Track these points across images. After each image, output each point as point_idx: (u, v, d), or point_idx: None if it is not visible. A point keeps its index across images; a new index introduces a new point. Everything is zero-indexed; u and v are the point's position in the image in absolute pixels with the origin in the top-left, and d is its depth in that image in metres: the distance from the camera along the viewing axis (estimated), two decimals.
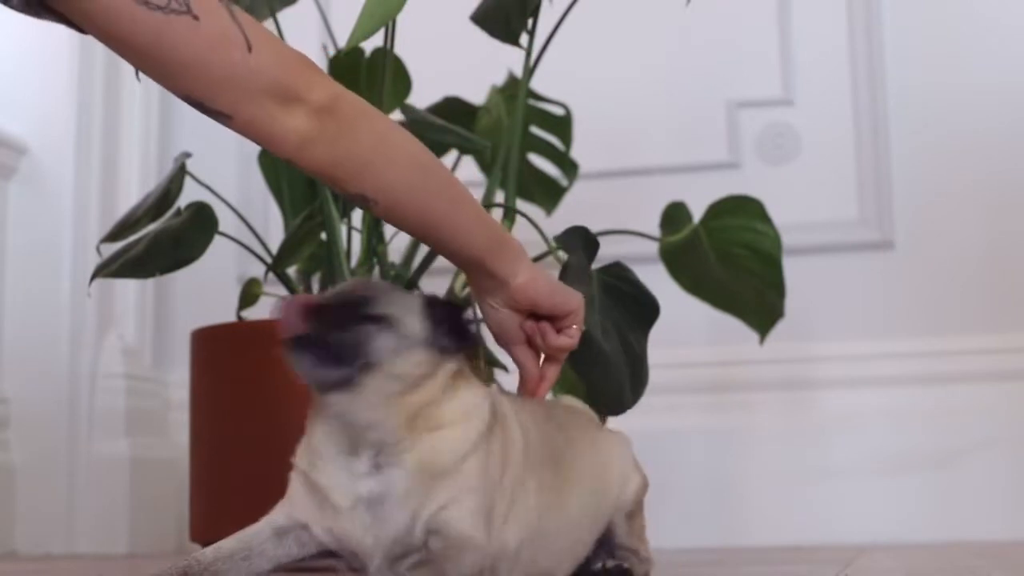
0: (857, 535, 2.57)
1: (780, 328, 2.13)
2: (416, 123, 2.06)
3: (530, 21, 2.01)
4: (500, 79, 2.37)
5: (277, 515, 1.26)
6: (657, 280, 1.89)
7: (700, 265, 2.06)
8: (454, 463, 1.19)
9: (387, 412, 1.19)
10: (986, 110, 2.75)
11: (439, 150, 2.21)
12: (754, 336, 2.15)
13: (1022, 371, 2.64)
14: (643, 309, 1.75)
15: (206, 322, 2.05)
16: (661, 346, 1.82)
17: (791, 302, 2.10)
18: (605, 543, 1.43)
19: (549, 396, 1.44)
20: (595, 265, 1.75)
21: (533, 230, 1.89)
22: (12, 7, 1.18)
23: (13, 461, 2.73)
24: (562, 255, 1.70)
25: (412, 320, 1.21)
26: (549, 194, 2.45)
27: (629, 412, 1.68)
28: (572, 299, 1.37)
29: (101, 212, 2.82)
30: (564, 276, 1.63)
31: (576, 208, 2.44)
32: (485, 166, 2.31)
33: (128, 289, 2.89)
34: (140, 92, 2.92)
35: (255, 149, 2.27)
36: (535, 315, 1.37)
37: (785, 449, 2.70)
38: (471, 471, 1.20)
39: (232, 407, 1.95)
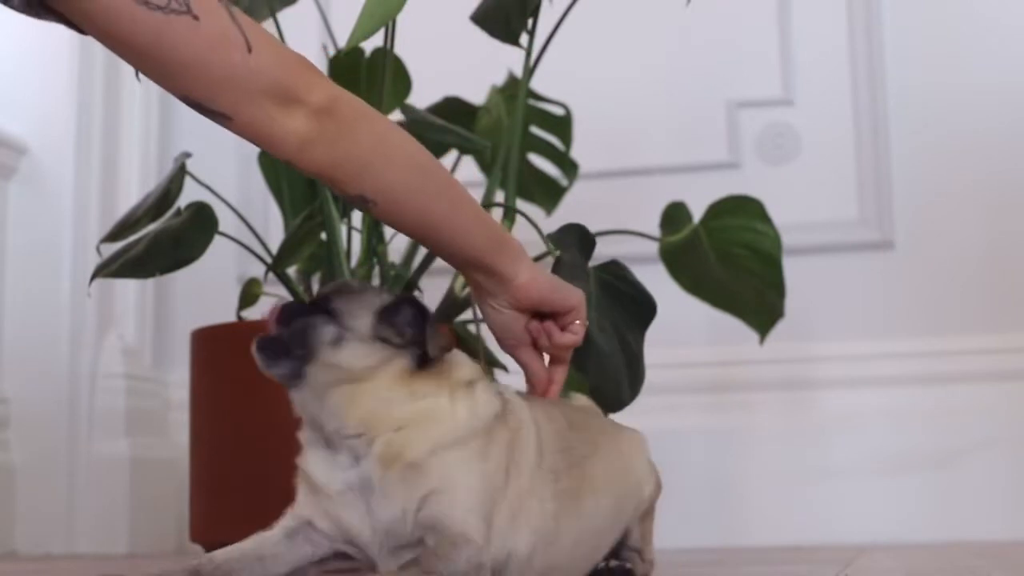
0: (857, 535, 2.57)
1: (780, 328, 2.13)
2: (416, 123, 2.06)
3: (530, 21, 2.01)
4: (500, 79, 2.37)
5: (286, 518, 1.26)
6: (657, 280, 1.89)
7: (700, 265, 2.06)
8: (421, 458, 1.19)
9: (335, 404, 1.20)
10: (986, 110, 2.75)
11: (439, 150, 2.21)
12: (754, 336, 2.15)
13: (1022, 371, 2.64)
14: (640, 308, 1.75)
15: (206, 322, 2.05)
16: (661, 346, 1.82)
17: (791, 302, 2.10)
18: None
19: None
20: (592, 263, 1.75)
21: (533, 230, 1.89)
22: (12, 7, 1.18)
23: (13, 461, 2.73)
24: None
25: (361, 314, 1.22)
26: (549, 194, 2.45)
27: (629, 412, 1.68)
28: (574, 295, 1.37)
29: (101, 212, 2.82)
30: (557, 273, 1.62)
31: (576, 208, 2.44)
32: (485, 166, 2.31)
33: (128, 289, 2.89)
34: (140, 92, 2.92)
35: (255, 149, 2.26)
36: (538, 315, 1.37)
37: (785, 449, 2.70)
38: (448, 466, 1.19)
39: (232, 407, 1.95)
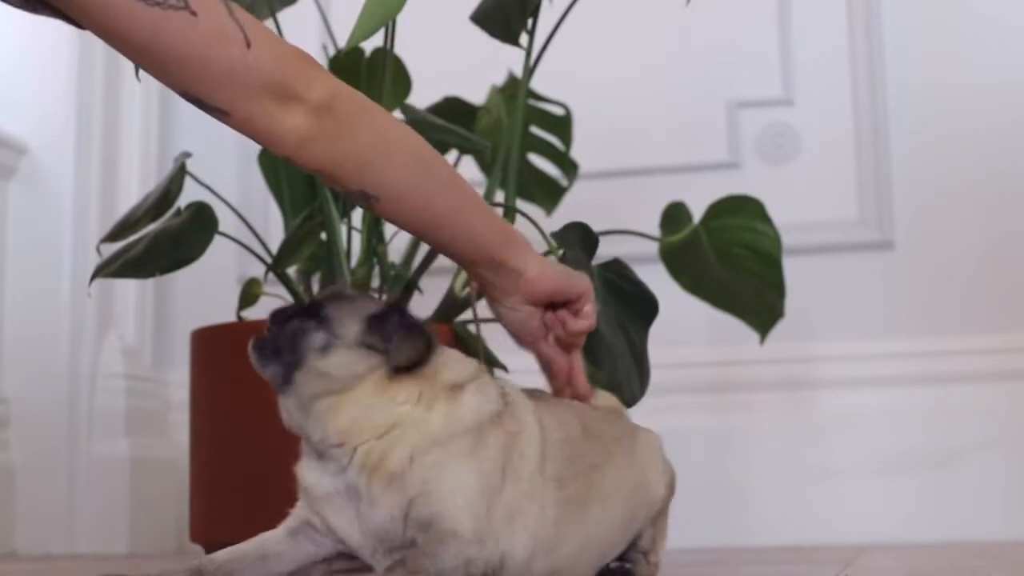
0: (857, 535, 2.57)
1: (780, 328, 2.13)
2: (416, 123, 2.06)
3: (530, 21, 2.01)
4: (500, 79, 2.37)
5: (290, 517, 1.26)
6: (657, 280, 1.89)
7: (700, 265, 2.06)
8: (402, 466, 1.18)
9: (319, 414, 1.20)
10: (986, 110, 2.75)
11: (439, 150, 2.21)
12: (754, 336, 2.15)
13: (1022, 371, 2.64)
14: (643, 306, 1.76)
15: (206, 322, 2.05)
16: (661, 346, 1.82)
17: (791, 302, 2.10)
18: None
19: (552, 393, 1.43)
20: (594, 263, 1.75)
21: (534, 230, 1.89)
22: (10, 3, 1.18)
23: (13, 461, 2.73)
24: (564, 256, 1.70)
25: (351, 321, 1.21)
26: (549, 194, 2.45)
27: (630, 412, 1.68)
28: (582, 280, 1.37)
29: (101, 212, 2.82)
30: None
31: (576, 208, 2.44)
32: (485, 166, 2.31)
33: (128, 289, 2.89)
34: (140, 92, 2.92)
35: (255, 149, 2.27)
36: (549, 305, 1.36)
37: (785, 449, 2.70)
38: (431, 468, 1.18)
39: (232, 407, 1.95)
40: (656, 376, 1.76)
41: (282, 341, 1.22)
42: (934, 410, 2.65)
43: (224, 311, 2.10)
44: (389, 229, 2.15)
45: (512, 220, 1.96)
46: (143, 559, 2.48)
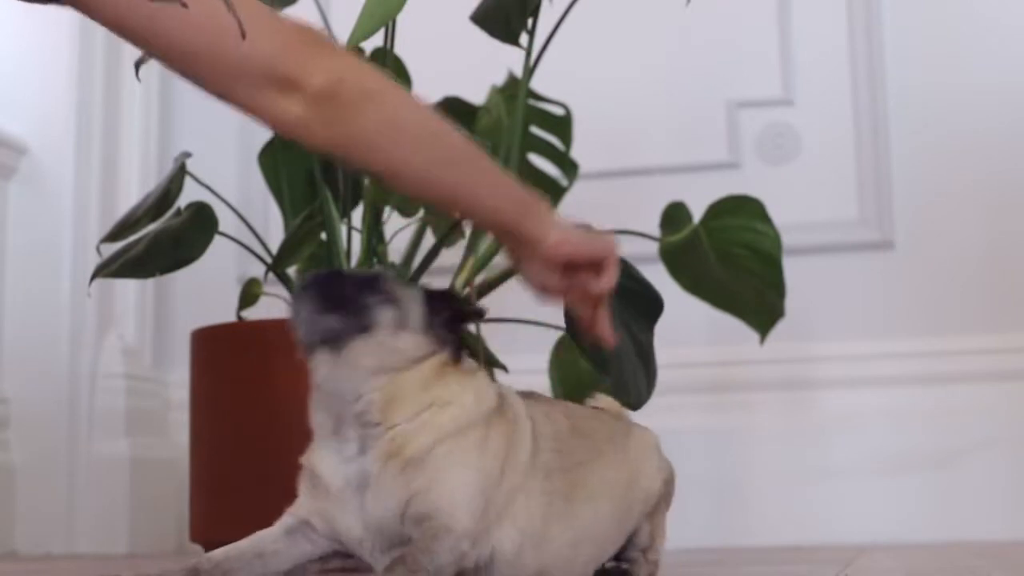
0: (857, 535, 2.56)
1: (780, 328, 2.13)
2: None
3: (530, 21, 2.01)
4: (500, 79, 2.37)
5: (285, 516, 1.27)
6: (657, 280, 1.89)
7: (700, 265, 2.06)
8: (420, 453, 1.20)
9: (370, 387, 1.21)
10: (986, 110, 2.75)
11: None
12: (754, 336, 2.15)
13: (1022, 371, 2.64)
14: (648, 305, 1.76)
15: (206, 322, 2.05)
16: (661, 346, 1.82)
17: (791, 302, 2.10)
18: None
19: (549, 395, 1.44)
20: None
21: None
22: None
23: (13, 461, 2.73)
24: None
25: (414, 305, 1.24)
26: (549, 194, 2.44)
27: (631, 412, 1.68)
28: (603, 241, 1.37)
29: (101, 212, 2.82)
30: None
31: (576, 208, 2.43)
32: None
33: (128, 289, 2.89)
34: (140, 92, 2.92)
35: (255, 149, 2.27)
36: (572, 266, 1.36)
37: (785, 449, 2.70)
38: (444, 459, 1.20)
39: (232, 407, 1.95)
40: (657, 373, 1.76)
41: (350, 300, 1.22)
42: (934, 410, 2.65)
43: (224, 311, 2.10)
44: (389, 229, 2.16)
45: None
46: (143, 559, 2.48)
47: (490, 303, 1.57)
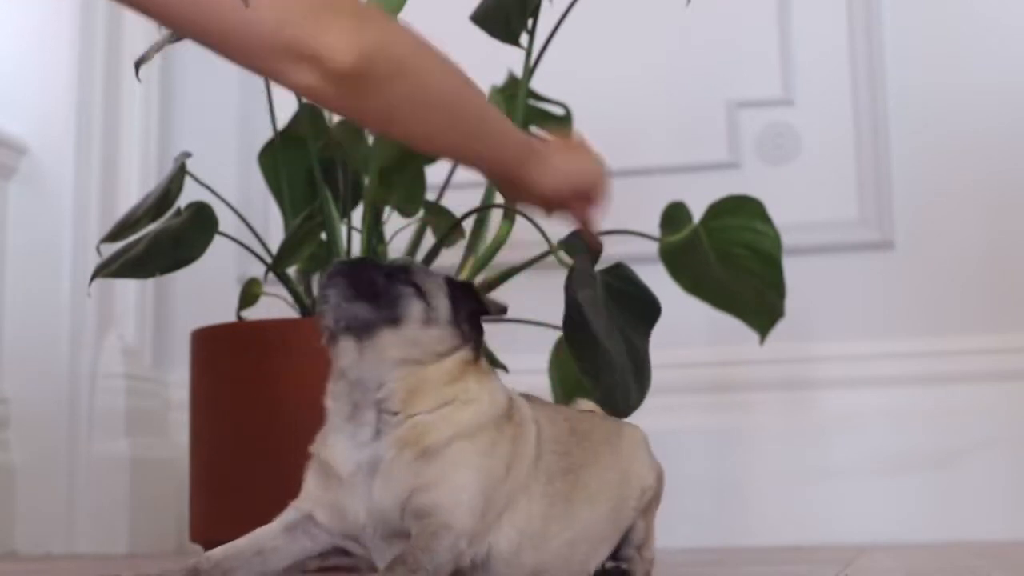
0: (857, 535, 2.56)
1: (780, 328, 2.13)
2: None
3: (530, 21, 2.01)
4: (500, 79, 2.37)
5: (287, 512, 1.27)
6: (657, 280, 1.89)
7: (700, 265, 2.06)
8: (438, 445, 1.20)
9: (393, 376, 1.21)
10: (986, 110, 2.75)
11: None
12: (754, 336, 2.15)
13: (1022, 371, 2.64)
14: (645, 309, 1.75)
15: (206, 322, 2.05)
16: (661, 346, 1.82)
17: (791, 302, 2.10)
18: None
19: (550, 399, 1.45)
20: (597, 267, 1.75)
21: (533, 230, 1.89)
22: None
23: (13, 461, 2.73)
24: (564, 256, 1.70)
25: (441, 298, 1.25)
26: None
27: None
28: (591, 173, 1.42)
29: (101, 212, 2.82)
30: (571, 282, 1.63)
31: None
32: None
33: (128, 289, 2.89)
34: (140, 92, 2.92)
35: (255, 149, 2.27)
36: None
37: (785, 449, 2.70)
38: (456, 456, 1.21)
39: (232, 407, 1.95)
40: (656, 376, 1.76)
41: (381, 290, 1.22)
42: (934, 410, 2.65)
43: (224, 311, 2.10)
44: (389, 229, 2.16)
45: (512, 220, 1.96)
46: (143, 559, 2.48)
47: None
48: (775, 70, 2.88)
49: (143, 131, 3.01)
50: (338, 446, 1.24)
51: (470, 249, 2.06)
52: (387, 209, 2.13)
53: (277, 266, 1.99)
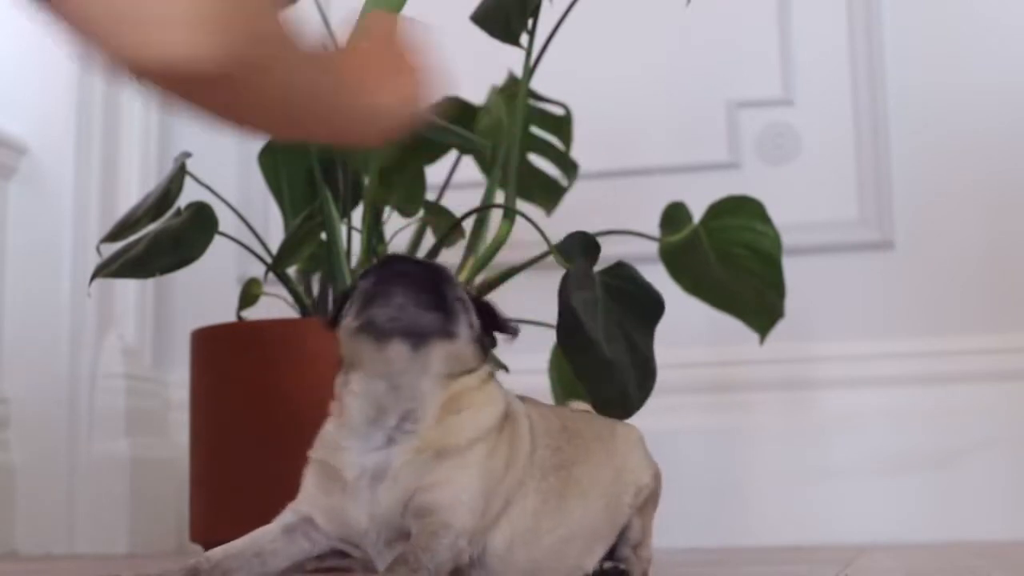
0: (857, 535, 2.56)
1: (780, 328, 2.13)
2: None
3: (530, 21, 2.01)
4: (500, 79, 2.37)
5: (285, 514, 1.27)
6: (657, 280, 1.89)
7: (700, 265, 2.06)
8: (458, 448, 1.22)
9: (434, 387, 1.22)
10: (986, 110, 2.75)
11: (439, 150, 2.21)
12: (754, 336, 2.15)
13: (1022, 371, 2.64)
14: (647, 307, 1.75)
15: (206, 322, 2.05)
16: (661, 346, 1.82)
17: (791, 302, 2.10)
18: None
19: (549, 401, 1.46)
20: (597, 267, 1.75)
21: (533, 230, 1.89)
22: None
23: (13, 461, 2.73)
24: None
25: (474, 314, 1.26)
26: (549, 194, 2.44)
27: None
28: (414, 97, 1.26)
29: (101, 212, 2.82)
30: (567, 285, 1.63)
31: (576, 208, 2.44)
32: (485, 166, 2.31)
33: (128, 289, 2.89)
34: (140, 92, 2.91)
35: (255, 149, 2.27)
36: None
37: (785, 449, 2.70)
38: (473, 457, 1.22)
39: (232, 407, 1.95)
40: (656, 376, 1.76)
41: (445, 303, 1.22)
42: (934, 410, 2.65)
43: (224, 311, 2.10)
44: (389, 229, 2.16)
45: (512, 220, 1.96)
46: (143, 559, 2.48)
47: None
48: (775, 70, 2.88)
49: (143, 131, 3.01)
50: (344, 451, 1.23)
51: (470, 249, 2.06)
52: (387, 209, 2.13)
53: (277, 266, 1.99)
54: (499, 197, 2.10)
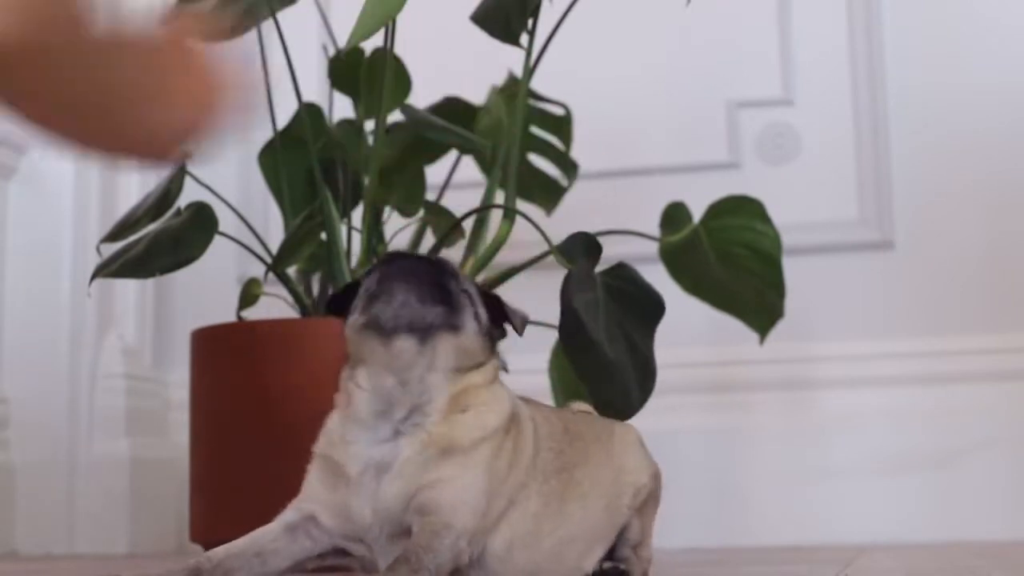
0: (857, 535, 2.56)
1: (780, 328, 2.13)
2: (416, 123, 2.06)
3: (530, 21, 2.01)
4: (500, 79, 2.37)
5: (287, 512, 1.27)
6: (657, 280, 1.89)
7: (700, 265, 2.06)
8: (464, 447, 1.22)
9: (443, 381, 1.23)
10: (986, 110, 2.75)
11: (439, 150, 2.21)
12: (754, 336, 2.15)
13: (1022, 371, 2.64)
14: (648, 308, 1.75)
15: (206, 322, 2.05)
16: (661, 346, 1.82)
17: (791, 302, 2.10)
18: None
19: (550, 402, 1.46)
20: (598, 267, 1.75)
21: (533, 230, 1.89)
22: None
23: (13, 461, 2.73)
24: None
25: (481, 307, 1.26)
26: (549, 194, 2.45)
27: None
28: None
29: (101, 212, 2.82)
30: (568, 286, 1.63)
31: (576, 208, 2.44)
32: (485, 166, 2.31)
33: (128, 289, 2.89)
34: None
35: (255, 149, 2.27)
36: None
37: (785, 449, 2.70)
38: (479, 456, 1.22)
39: (232, 407, 1.95)
40: (657, 376, 1.76)
41: (450, 296, 1.22)
42: (934, 410, 2.65)
43: (224, 311, 2.10)
44: (389, 229, 2.16)
45: (512, 220, 1.96)
46: (143, 559, 2.48)
47: None
48: (775, 70, 2.88)
49: None
50: (355, 442, 1.23)
51: (470, 249, 2.06)
52: (387, 209, 2.13)
53: (277, 266, 1.99)
54: (499, 197, 2.10)
